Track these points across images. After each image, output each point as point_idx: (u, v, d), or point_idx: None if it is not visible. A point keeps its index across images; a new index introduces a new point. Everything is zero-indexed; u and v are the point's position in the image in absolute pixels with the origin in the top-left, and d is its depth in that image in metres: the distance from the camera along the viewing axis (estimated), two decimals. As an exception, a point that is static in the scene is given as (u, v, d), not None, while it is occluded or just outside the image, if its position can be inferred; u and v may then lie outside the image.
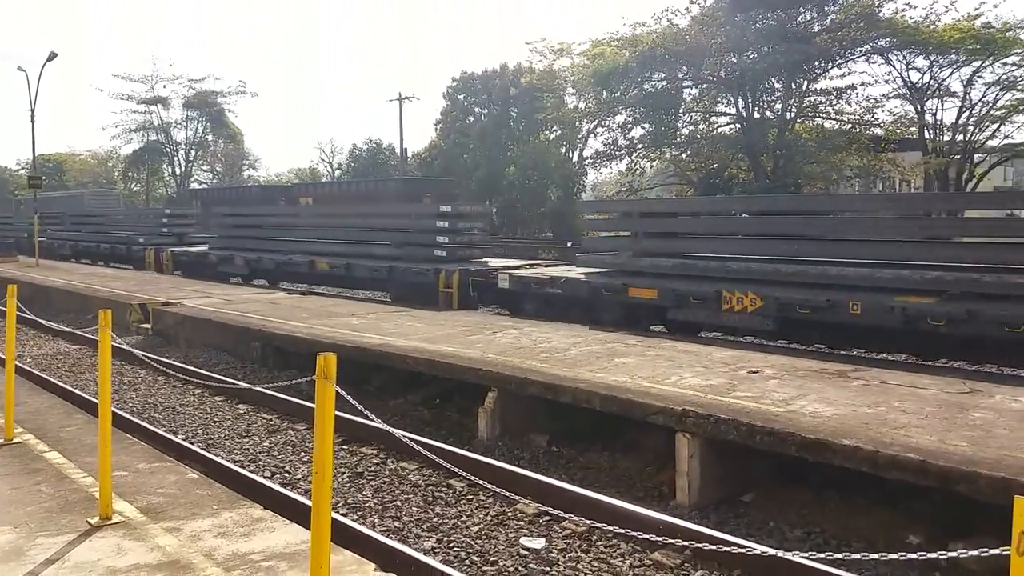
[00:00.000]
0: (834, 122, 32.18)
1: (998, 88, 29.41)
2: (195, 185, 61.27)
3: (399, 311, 14.02)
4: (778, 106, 32.08)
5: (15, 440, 6.34)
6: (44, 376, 11.00)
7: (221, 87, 61.23)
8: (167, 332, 14.45)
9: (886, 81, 31.69)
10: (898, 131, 31.46)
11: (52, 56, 29.36)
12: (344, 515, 5.89)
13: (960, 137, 30.70)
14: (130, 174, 66.01)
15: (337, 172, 64.63)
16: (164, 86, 59.77)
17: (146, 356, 8.15)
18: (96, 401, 8.55)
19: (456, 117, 47.85)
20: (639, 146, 35.63)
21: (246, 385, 7.42)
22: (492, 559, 5.32)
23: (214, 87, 60.88)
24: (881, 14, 28.88)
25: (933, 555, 2.80)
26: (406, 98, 51.20)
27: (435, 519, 6.05)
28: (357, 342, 10.33)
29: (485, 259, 17.01)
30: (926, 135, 31.27)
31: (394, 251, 17.19)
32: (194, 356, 12.77)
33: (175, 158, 62.98)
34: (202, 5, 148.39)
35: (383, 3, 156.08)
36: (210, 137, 63.76)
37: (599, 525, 4.36)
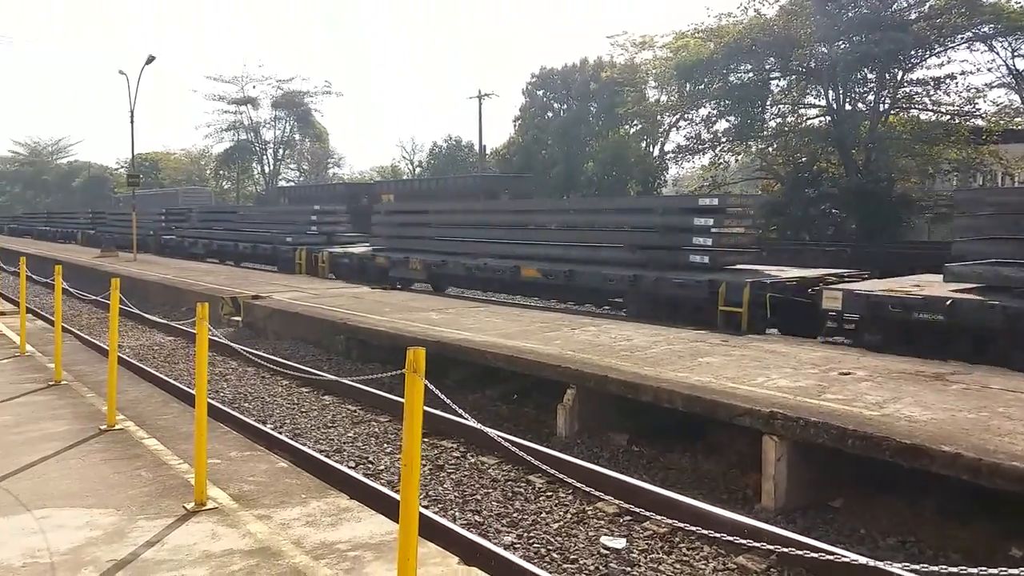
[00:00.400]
0: (931, 113, 30.83)
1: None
2: (282, 183, 62.95)
3: (479, 306, 14.10)
4: (871, 97, 30.95)
5: (117, 426, 6.63)
6: (142, 366, 11.49)
7: (307, 87, 63.01)
8: (257, 324, 14.90)
9: (989, 69, 30.03)
10: (1001, 122, 29.93)
11: (150, 59, 30.55)
12: (426, 507, 5.97)
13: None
14: (221, 172, 68.32)
15: (417, 170, 65.45)
16: (254, 87, 61.75)
17: (242, 349, 8.41)
18: (190, 391, 8.91)
19: (535, 113, 47.81)
20: (723, 139, 34.94)
21: (333, 377, 7.60)
22: (572, 557, 5.31)
23: (301, 87, 62.58)
24: (984, -1, 27.55)
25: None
26: (485, 95, 51.37)
27: (515, 514, 6.08)
28: (437, 336, 10.45)
29: (757, 267, 13.62)
30: (1032, 126, 29.74)
31: (631, 256, 14.10)
32: (282, 348, 13.13)
33: (264, 157, 64.93)
34: (289, 7, 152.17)
35: (463, 1, 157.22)
36: (297, 136, 65.48)
37: (681, 526, 4.31)
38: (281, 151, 65.47)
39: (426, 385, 3.36)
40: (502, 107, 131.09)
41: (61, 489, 5.13)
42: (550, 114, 47.52)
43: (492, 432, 4.76)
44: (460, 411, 4.40)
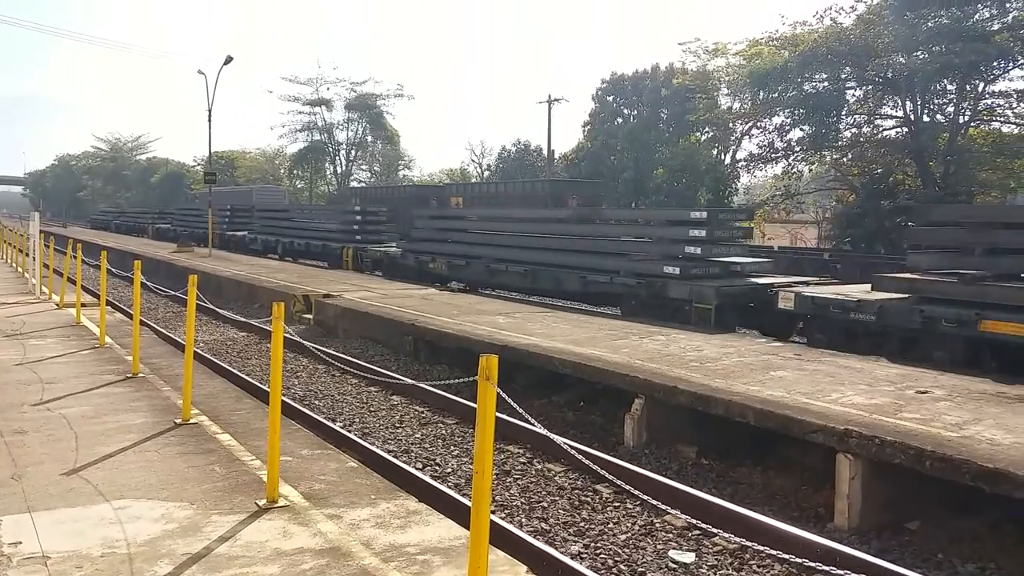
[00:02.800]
0: (1013, 126, 29.80)
1: None
2: (354, 183, 63.95)
3: (546, 311, 14.09)
4: (950, 109, 30.00)
5: (192, 421, 6.81)
6: (216, 361, 11.78)
7: (380, 90, 63.68)
8: (327, 323, 15.17)
9: (1076, 82, 28.93)
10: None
11: (228, 60, 31.44)
12: (492, 511, 5.96)
13: None
14: (295, 172, 69.67)
15: (486, 173, 65.75)
16: (328, 88, 62.85)
17: (315, 347, 8.54)
18: (263, 387, 9.11)
19: (604, 119, 47.55)
20: (797, 149, 34.27)
21: (410, 381, 7.68)
22: (640, 570, 5.25)
23: (374, 90, 63.40)
24: (1071, 9, 26.49)
25: None
26: (555, 100, 51.29)
27: (581, 523, 6.03)
28: (504, 341, 10.46)
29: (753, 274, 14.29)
30: (1121, 140, 28.43)
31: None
32: (352, 347, 13.32)
33: (336, 157, 66.03)
34: (363, 12, 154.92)
35: (535, 7, 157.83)
36: (369, 138, 66.40)
37: (751, 544, 4.21)
38: (353, 152, 66.53)
39: (499, 393, 3.36)
40: (572, 112, 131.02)
41: (138, 481, 5.27)
42: (619, 120, 47.22)
43: (559, 439, 4.73)
44: (528, 417, 4.38)
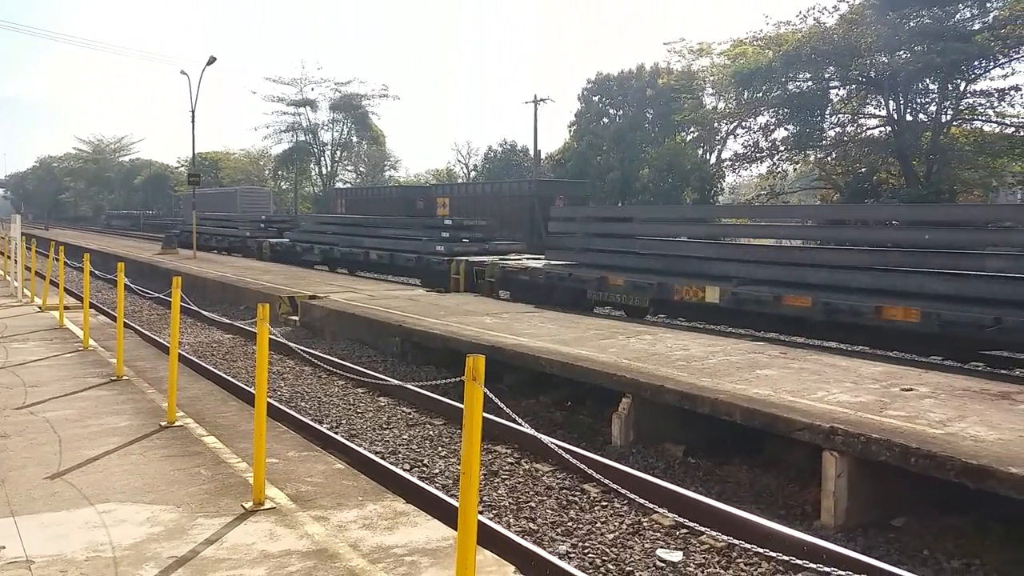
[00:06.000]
0: (995, 125, 30.08)
1: None
2: (339, 184, 63.80)
3: (533, 311, 14.11)
4: (932, 108, 30.25)
5: (177, 423, 6.77)
6: (201, 363, 11.72)
7: (365, 90, 63.68)
8: (313, 324, 15.11)
9: (1055, 82, 29.21)
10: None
11: (211, 60, 31.31)
12: (480, 512, 5.96)
13: None
14: (280, 172, 69.45)
15: (472, 173, 65.75)
16: (312, 89, 62.78)
17: (300, 349, 8.51)
18: (249, 389, 9.06)
19: (590, 119, 47.65)
20: (781, 148, 34.47)
21: (395, 382, 7.63)
22: (628, 569, 5.25)
23: (359, 90, 63.42)
24: (1051, 10, 26.76)
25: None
26: (541, 100, 51.35)
27: (569, 523, 6.03)
28: (492, 341, 10.46)
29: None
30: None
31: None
32: (338, 348, 13.28)
33: (322, 158, 65.90)
34: (348, 12, 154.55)
35: (520, 7, 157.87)
36: (354, 138, 66.33)
37: (739, 542, 4.22)
38: (339, 153, 66.43)
39: (486, 392, 3.35)
40: (557, 112, 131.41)
41: (123, 484, 5.24)
42: (605, 120, 47.34)
43: (547, 439, 4.73)
44: (515, 417, 4.38)
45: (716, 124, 39.11)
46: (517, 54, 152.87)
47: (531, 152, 54.09)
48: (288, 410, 9.01)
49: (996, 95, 29.02)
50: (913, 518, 6.16)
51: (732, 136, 38.98)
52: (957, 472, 5.55)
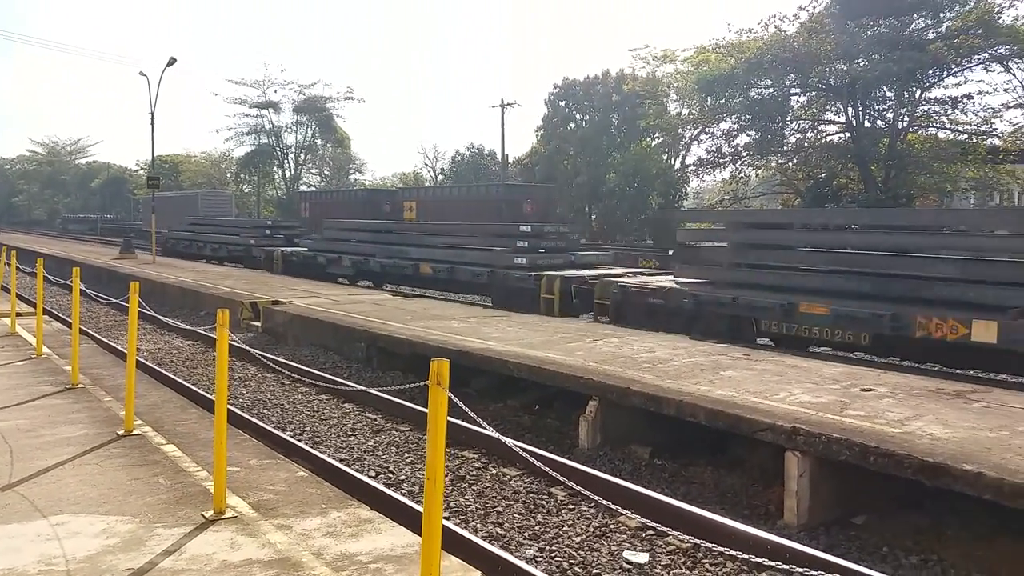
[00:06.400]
0: (949, 132, 30.74)
1: None
2: (304, 188, 63.23)
3: (500, 315, 14.08)
4: (890, 115, 30.82)
5: (134, 432, 6.62)
6: (161, 370, 11.51)
7: (330, 92, 63.02)
8: (276, 330, 14.93)
9: (1005, 90, 29.73)
10: (1018, 142, 29.78)
11: (172, 61, 30.82)
12: (447, 518, 5.91)
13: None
14: (242, 175, 68.58)
15: (440, 177, 65.60)
16: (275, 91, 62.02)
17: (261, 355, 8.39)
18: (209, 397, 8.91)
19: (557, 123, 47.87)
20: (744, 154, 34.86)
21: (360, 388, 7.55)
22: (595, 571, 5.25)
23: (323, 92, 62.71)
24: (1001, 21, 27.45)
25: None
26: (508, 104, 51.42)
27: (537, 527, 6.01)
28: (459, 345, 10.41)
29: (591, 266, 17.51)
30: (1049, 147, 29.46)
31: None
32: (302, 354, 13.13)
33: (285, 161, 65.20)
34: (313, 12, 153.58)
35: (487, 11, 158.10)
36: (319, 141, 65.67)
37: (704, 543, 4.24)
38: (303, 156, 65.76)
39: (451, 397, 3.32)
40: (525, 117, 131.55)
41: (77, 495, 5.11)
42: (572, 125, 47.59)
43: (512, 443, 4.71)
44: (480, 421, 4.35)
45: (680, 130, 39.44)
46: (484, 58, 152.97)
47: (499, 156, 54.15)
48: (250, 417, 8.88)
49: (950, 103, 29.67)
50: (873, 516, 6.25)
51: (696, 142, 39.34)
52: (914, 470, 5.64)
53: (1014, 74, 28.74)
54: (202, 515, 4.79)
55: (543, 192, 36.10)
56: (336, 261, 23.45)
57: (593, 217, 43.70)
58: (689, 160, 40.53)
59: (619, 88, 44.63)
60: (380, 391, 6.88)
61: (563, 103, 48.04)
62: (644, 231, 42.11)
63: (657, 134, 41.86)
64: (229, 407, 7.93)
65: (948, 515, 6.00)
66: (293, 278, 22.83)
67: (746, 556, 3.87)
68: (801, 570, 3.57)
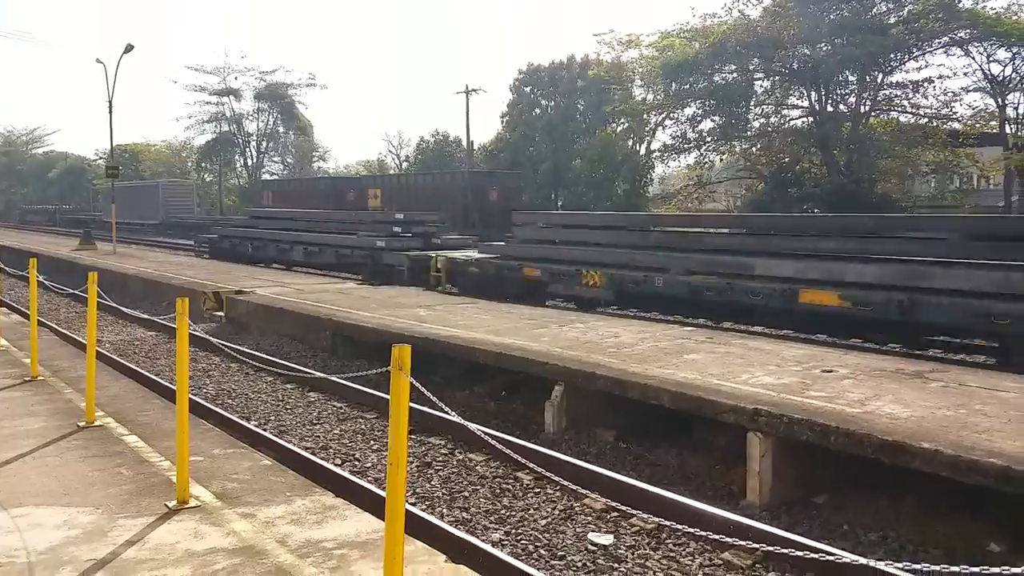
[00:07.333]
0: (910, 116, 31.17)
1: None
2: (266, 176, 62.51)
3: (467, 302, 14.08)
4: (852, 99, 31.22)
5: (96, 423, 6.55)
6: (122, 361, 11.37)
7: (291, 79, 62.17)
8: (240, 320, 14.79)
9: (965, 74, 30.25)
10: (977, 126, 30.27)
11: (129, 48, 30.20)
12: (413, 504, 5.93)
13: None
14: (203, 164, 67.54)
15: (404, 164, 65.16)
16: (236, 78, 61.00)
17: (224, 344, 8.31)
18: (172, 387, 8.82)
19: (522, 110, 47.71)
20: (708, 139, 35.08)
21: (319, 374, 7.52)
22: (560, 553, 5.30)
23: (285, 79, 61.85)
24: (961, 5, 27.83)
25: (1018, 570, 2.67)
26: (473, 91, 51.16)
27: (503, 511, 6.05)
28: (425, 333, 10.40)
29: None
30: (1007, 130, 30.02)
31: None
32: (266, 344, 13.04)
33: (247, 149, 64.29)
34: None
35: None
36: (281, 129, 64.80)
37: (668, 523, 4.30)
38: (264, 144, 64.85)
39: (413, 383, 3.33)
40: (490, 103, 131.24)
41: (38, 487, 5.05)
42: (537, 111, 47.43)
43: (478, 429, 4.73)
44: (444, 407, 4.36)
45: (645, 115, 39.53)
46: (449, 44, 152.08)
47: (464, 143, 53.90)
48: (213, 407, 8.81)
49: (911, 87, 30.11)
50: (834, 495, 6.36)
51: (661, 127, 39.48)
52: (874, 449, 5.76)
53: (973, 58, 29.26)
54: (165, 505, 4.76)
55: (508, 179, 36.08)
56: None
57: (560, 204, 43.73)
58: (654, 146, 40.68)
59: (584, 74, 44.58)
60: (342, 378, 6.86)
61: (528, 89, 47.88)
62: (611, 217, 42.15)
63: (622, 120, 41.92)
64: (192, 397, 7.87)
65: (907, 493, 6.12)
66: (259, 268, 22.54)
67: (709, 535, 3.94)
68: (764, 548, 3.64)
